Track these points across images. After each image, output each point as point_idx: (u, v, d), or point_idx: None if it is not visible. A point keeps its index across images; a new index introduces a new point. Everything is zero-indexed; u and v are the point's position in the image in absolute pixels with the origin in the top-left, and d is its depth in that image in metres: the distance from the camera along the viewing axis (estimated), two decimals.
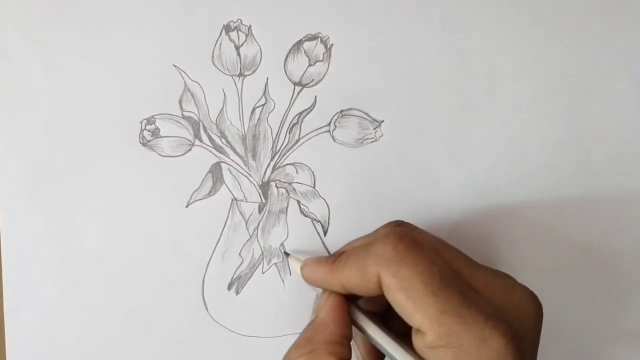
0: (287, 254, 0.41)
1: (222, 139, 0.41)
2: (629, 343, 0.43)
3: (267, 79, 0.41)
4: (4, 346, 0.41)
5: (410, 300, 0.31)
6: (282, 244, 0.41)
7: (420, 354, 0.31)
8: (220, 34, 0.40)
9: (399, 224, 0.36)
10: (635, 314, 0.43)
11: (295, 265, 0.39)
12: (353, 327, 0.35)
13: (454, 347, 0.30)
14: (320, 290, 0.36)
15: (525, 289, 0.33)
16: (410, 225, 0.36)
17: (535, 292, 0.33)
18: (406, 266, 0.31)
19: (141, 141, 0.40)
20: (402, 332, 0.33)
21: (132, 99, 0.40)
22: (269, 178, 0.41)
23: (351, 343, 0.36)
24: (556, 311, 0.42)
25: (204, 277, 0.41)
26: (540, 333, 0.33)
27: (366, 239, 0.36)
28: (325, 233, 0.41)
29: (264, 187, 0.41)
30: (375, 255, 0.32)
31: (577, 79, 0.42)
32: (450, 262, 0.33)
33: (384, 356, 0.35)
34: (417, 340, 0.31)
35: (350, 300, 0.35)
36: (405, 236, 0.32)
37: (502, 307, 0.32)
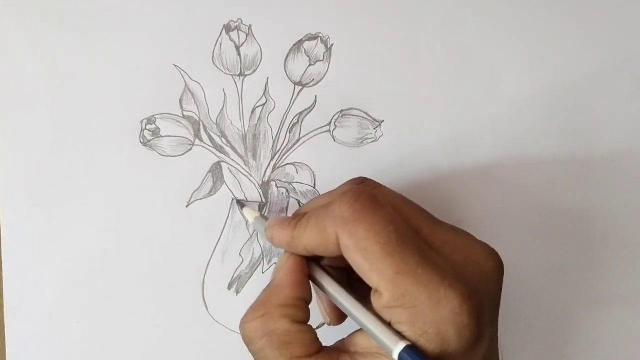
0: (241, 204, 0.40)
1: (223, 139, 0.41)
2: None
3: (268, 78, 0.41)
4: (4, 346, 0.41)
5: (366, 261, 0.30)
6: (234, 199, 0.41)
7: (379, 313, 0.31)
8: (221, 34, 0.40)
9: (361, 181, 0.36)
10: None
11: (249, 216, 0.39)
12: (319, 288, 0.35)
13: (409, 307, 0.30)
14: (282, 251, 0.36)
15: (485, 246, 0.33)
16: (372, 182, 0.36)
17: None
18: (362, 226, 0.30)
19: (142, 141, 0.40)
20: (364, 292, 0.33)
21: (133, 98, 0.40)
22: (269, 178, 0.41)
23: (317, 302, 0.36)
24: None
25: (204, 277, 0.41)
26: (500, 290, 0.33)
27: (327, 197, 0.35)
28: None
29: (265, 187, 0.41)
30: (333, 216, 0.31)
31: (577, 79, 0.42)
32: (411, 220, 0.33)
33: (346, 316, 0.35)
34: (375, 301, 0.31)
35: (312, 261, 0.35)
36: (362, 194, 0.32)
37: (461, 265, 0.31)
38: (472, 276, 0.31)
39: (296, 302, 0.33)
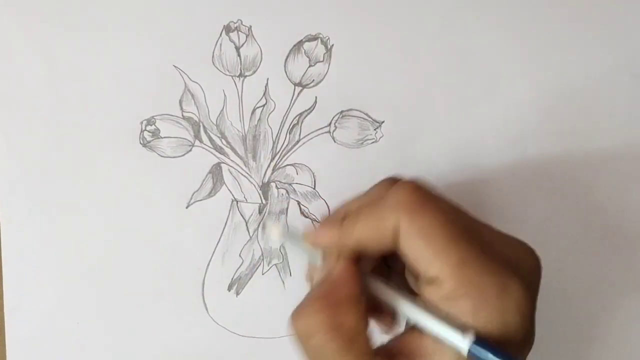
0: (264, 224, 0.40)
1: (223, 140, 0.41)
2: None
3: (268, 79, 0.41)
4: (4, 346, 0.41)
5: (430, 247, 0.30)
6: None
7: (437, 305, 0.30)
8: (221, 35, 0.40)
9: (395, 181, 0.35)
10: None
11: (274, 231, 0.38)
12: None
13: (474, 296, 0.29)
14: (317, 259, 0.35)
15: (526, 244, 0.33)
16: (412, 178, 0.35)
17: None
18: (428, 214, 0.30)
19: (141, 142, 0.40)
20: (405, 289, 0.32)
21: (133, 99, 0.40)
22: (269, 179, 0.41)
23: None
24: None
25: (204, 277, 0.41)
26: (539, 286, 0.33)
27: (366, 197, 0.35)
28: None
29: (264, 188, 0.41)
30: (394, 204, 0.31)
31: (577, 79, 0.42)
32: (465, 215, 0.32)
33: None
34: (431, 291, 0.30)
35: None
36: (420, 186, 0.31)
37: (513, 259, 0.31)
38: (524, 270, 0.31)
39: (360, 298, 0.31)
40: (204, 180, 0.41)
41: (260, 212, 0.41)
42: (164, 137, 0.40)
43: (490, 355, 0.28)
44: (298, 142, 0.41)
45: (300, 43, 0.40)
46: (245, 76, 0.40)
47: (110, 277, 0.41)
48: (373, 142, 0.41)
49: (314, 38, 0.40)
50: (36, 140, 0.40)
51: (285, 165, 0.41)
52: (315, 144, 0.41)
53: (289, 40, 0.40)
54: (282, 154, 0.41)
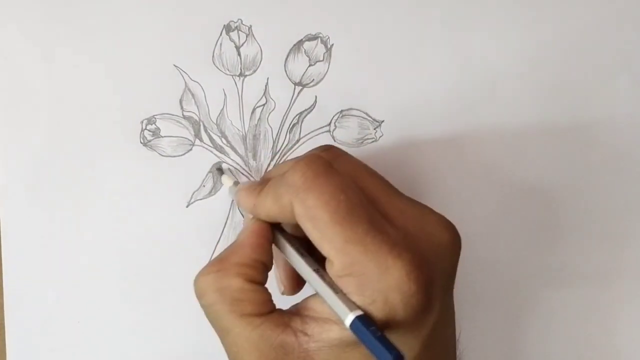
0: (220, 171, 0.40)
1: (223, 139, 0.41)
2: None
3: (268, 79, 0.41)
4: (4, 346, 0.41)
5: (316, 229, 0.30)
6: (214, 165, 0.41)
7: (333, 282, 0.31)
8: (221, 34, 0.40)
9: (326, 148, 0.35)
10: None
11: (226, 183, 0.39)
12: (280, 255, 0.35)
13: (358, 276, 0.30)
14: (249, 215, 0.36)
15: (440, 218, 0.33)
16: (336, 150, 0.35)
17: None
18: (313, 194, 0.30)
19: (142, 141, 0.40)
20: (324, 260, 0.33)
21: (133, 99, 0.40)
22: None
23: (275, 272, 0.36)
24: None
25: None
26: (456, 263, 0.33)
27: (289, 163, 0.35)
28: None
29: None
30: (287, 184, 0.31)
31: (577, 79, 0.42)
32: (368, 189, 0.33)
33: (303, 283, 0.36)
34: (328, 269, 0.31)
35: (276, 227, 0.35)
36: (316, 162, 0.32)
37: (414, 235, 0.31)
38: (425, 246, 0.31)
39: (254, 263, 0.33)
40: (204, 180, 0.41)
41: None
42: (165, 137, 0.40)
43: (368, 334, 0.29)
44: (298, 141, 0.41)
45: (300, 42, 0.40)
46: (246, 75, 0.41)
47: (110, 277, 0.41)
48: (373, 142, 0.41)
49: (314, 37, 0.41)
50: (36, 139, 0.40)
51: None
52: (315, 143, 0.41)
53: (289, 40, 0.40)
54: (283, 153, 0.41)
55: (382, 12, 0.41)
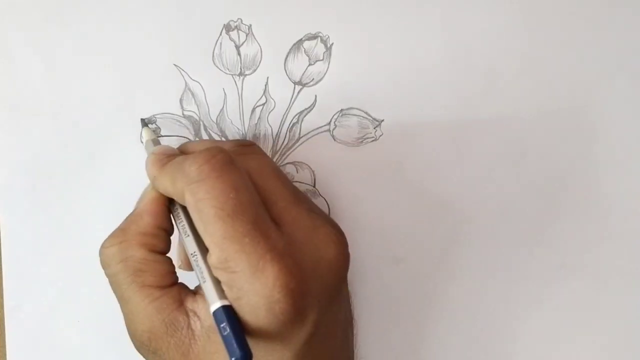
0: (144, 122, 0.40)
1: (223, 138, 0.41)
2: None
3: (268, 78, 0.41)
4: (4, 346, 0.41)
5: (201, 221, 0.31)
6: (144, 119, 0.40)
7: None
8: (221, 34, 0.40)
9: (247, 144, 0.36)
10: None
11: (145, 136, 0.39)
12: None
13: (230, 272, 0.30)
14: None
15: (331, 232, 0.33)
16: (249, 148, 0.36)
17: None
18: (203, 188, 0.31)
19: (142, 141, 0.40)
20: None
21: (133, 98, 0.40)
22: None
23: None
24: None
25: None
26: (340, 278, 0.34)
27: (201, 145, 0.36)
28: None
29: None
30: (182, 172, 0.32)
31: (577, 79, 0.42)
32: (268, 192, 0.33)
33: None
34: (207, 258, 0.32)
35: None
36: (216, 156, 0.32)
37: (297, 245, 0.32)
38: (307, 257, 0.32)
39: (155, 230, 0.34)
40: None
41: None
42: (165, 136, 0.40)
43: (226, 326, 0.30)
44: (298, 140, 0.41)
45: (300, 42, 0.41)
46: (245, 75, 0.41)
47: None
48: (373, 141, 0.41)
49: (313, 37, 0.41)
50: (36, 139, 0.40)
51: (285, 164, 0.41)
52: (315, 142, 0.41)
53: (289, 39, 0.41)
54: (282, 153, 0.41)
55: (382, 11, 0.41)
